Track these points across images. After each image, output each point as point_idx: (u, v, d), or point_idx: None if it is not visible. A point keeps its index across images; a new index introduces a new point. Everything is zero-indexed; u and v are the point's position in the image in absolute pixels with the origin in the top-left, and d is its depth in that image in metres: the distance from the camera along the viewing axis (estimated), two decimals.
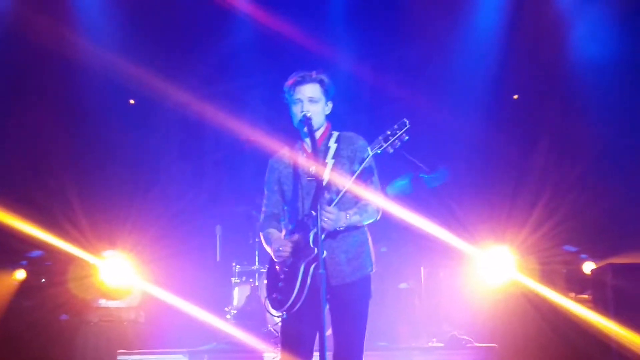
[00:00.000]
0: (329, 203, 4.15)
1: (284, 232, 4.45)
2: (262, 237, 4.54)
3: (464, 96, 7.97)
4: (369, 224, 4.44)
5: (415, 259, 7.07)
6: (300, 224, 4.31)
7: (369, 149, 4.20)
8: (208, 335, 6.53)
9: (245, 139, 6.39)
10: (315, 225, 4.07)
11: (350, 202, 4.28)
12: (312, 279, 4.15)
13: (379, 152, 4.14)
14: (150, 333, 6.90)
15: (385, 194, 5.46)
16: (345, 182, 4.21)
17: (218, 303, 6.79)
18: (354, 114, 6.31)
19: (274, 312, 4.29)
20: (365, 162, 4.20)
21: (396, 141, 4.10)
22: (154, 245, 7.20)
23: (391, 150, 4.12)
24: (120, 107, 8.00)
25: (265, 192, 4.56)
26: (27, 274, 7.23)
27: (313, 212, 4.16)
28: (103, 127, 7.88)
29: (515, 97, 8.45)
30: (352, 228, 4.31)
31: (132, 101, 8.24)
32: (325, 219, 4.10)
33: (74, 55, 7.70)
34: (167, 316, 6.87)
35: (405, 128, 4.08)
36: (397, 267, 6.99)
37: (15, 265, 7.23)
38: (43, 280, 7.22)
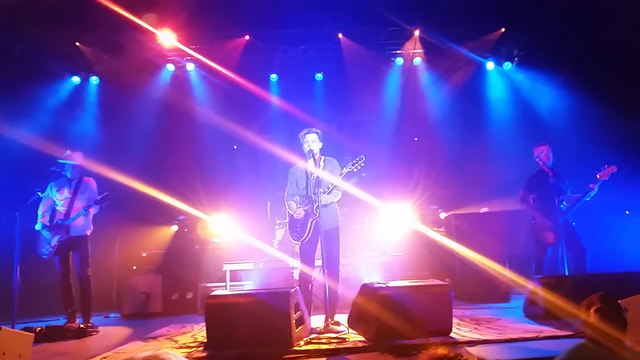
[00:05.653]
0: (324, 192, 4.46)
1: (296, 202, 4.67)
2: (286, 205, 4.74)
3: (379, 137, 7.77)
4: (338, 200, 4.72)
5: (363, 213, 6.84)
6: (309, 200, 4.54)
7: (345, 168, 4.45)
8: (262, 254, 6.32)
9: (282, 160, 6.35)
10: (316, 202, 4.41)
11: (326, 187, 4.48)
12: (314, 226, 4.49)
13: (349, 171, 4.46)
14: (235, 253, 6.64)
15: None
16: (333, 181, 4.48)
17: (268, 238, 6.55)
18: (328, 146, 6.34)
19: (294, 242, 4.63)
20: (342, 175, 4.49)
21: (358, 166, 4.43)
22: (237, 211, 6.99)
23: (355, 171, 4.47)
24: (218, 141, 7.80)
25: (288, 184, 4.78)
26: (178, 227, 7.27)
27: (314, 196, 4.47)
28: (211, 151, 7.77)
29: (416, 139, 8.30)
30: (330, 203, 4.60)
31: (235, 146, 8.07)
32: (322, 200, 4.43)
33: (195, 116, 7.80)
34: (243, 245, 6.55)
35: (363, 160, 4.43)
36: (355, 217, 6.80)
37: (172, 223, 7.30)
38: (185, 230, 7.23)
